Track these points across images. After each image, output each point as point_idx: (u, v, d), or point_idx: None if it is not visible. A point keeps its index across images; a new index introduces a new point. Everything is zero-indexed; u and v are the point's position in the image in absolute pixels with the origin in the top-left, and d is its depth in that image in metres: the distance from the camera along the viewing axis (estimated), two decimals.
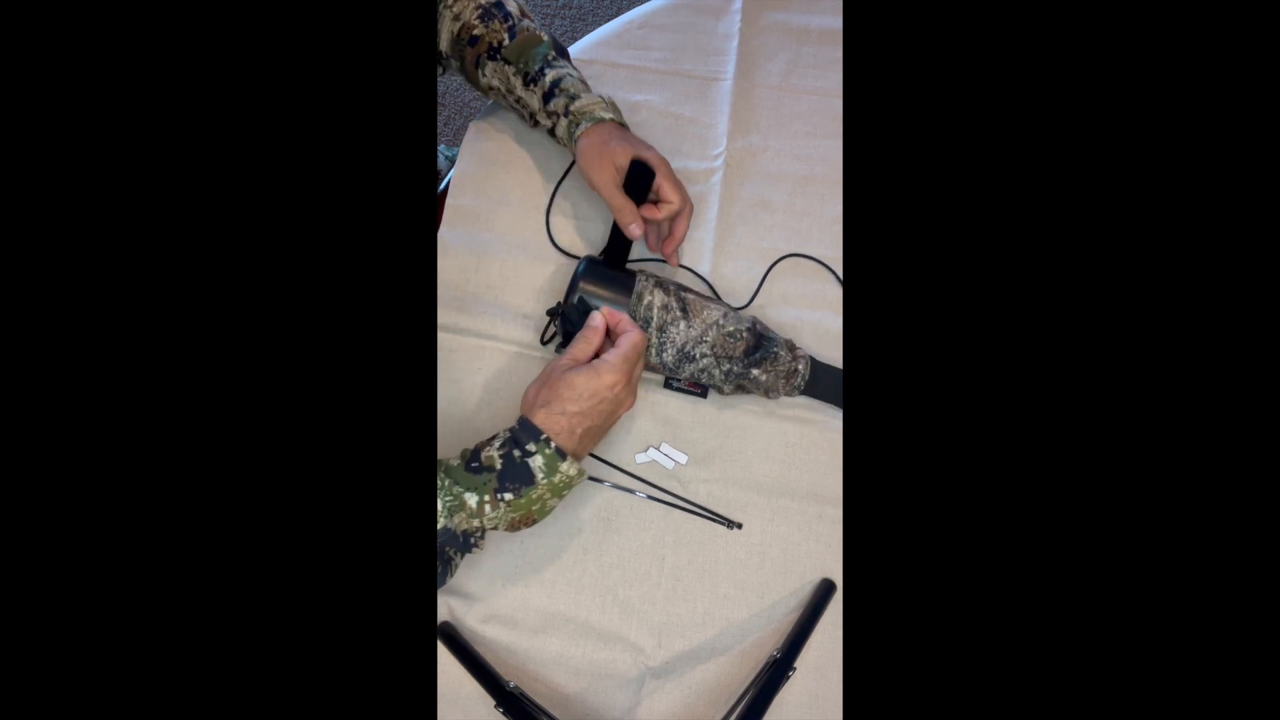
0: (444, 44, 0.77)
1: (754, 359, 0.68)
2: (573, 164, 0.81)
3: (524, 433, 0.58)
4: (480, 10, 0.75)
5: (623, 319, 0.64)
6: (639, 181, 0.71)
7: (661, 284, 0.68)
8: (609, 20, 0.91)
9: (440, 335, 0.74)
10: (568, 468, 0.58)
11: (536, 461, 0.57)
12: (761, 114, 0.85)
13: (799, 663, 0.62)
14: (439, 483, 0.57)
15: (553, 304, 0.72)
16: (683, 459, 0.71)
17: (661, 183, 0.71)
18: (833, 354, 0.73)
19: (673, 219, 0.73)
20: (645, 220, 0.71)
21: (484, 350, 0.74)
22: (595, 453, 0.71)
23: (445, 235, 0.78)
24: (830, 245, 0.79)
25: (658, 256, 0.77)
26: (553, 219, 0.79)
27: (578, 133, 0.72)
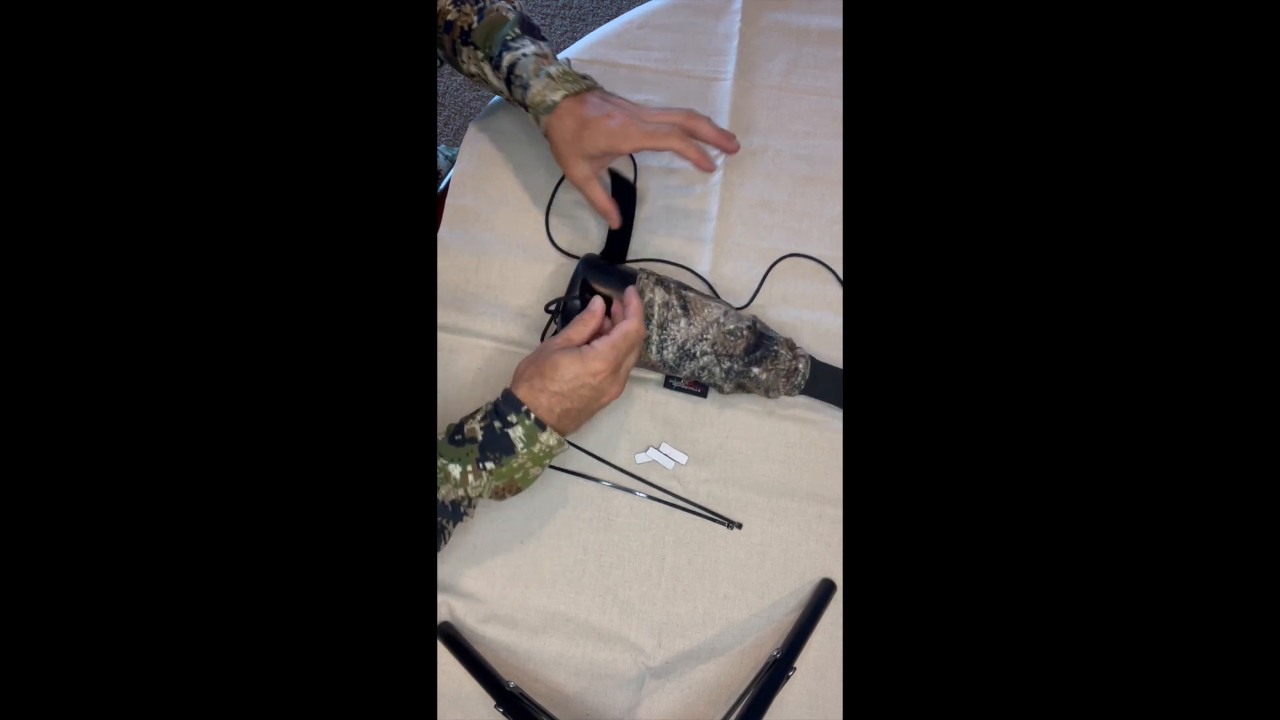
0: None
1: (754, 357, 0.68)
2: None
3: (505, 404, 0.60)
4: None
5: (632, 304, 0.64)
6: (624, 196, 0.70)
7: (662, 282, 0.68)
8: (609, 20, 0.90)
9: (440, 335, 0.74)
10: (547, 437, 0.60)
11: (517, 432, 0.59)
12: (761, 114, 0.85)
13: (799, 663, 0.62)
14: None
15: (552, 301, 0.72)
16: (683, 459, 0.71)
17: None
18: (833, 354, 0.73)
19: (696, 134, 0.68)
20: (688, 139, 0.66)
21: (484, 350, 0.74)
22: (595, 453, 0.71)
23: (445, 235, 0.78)
24: (830, 245, 0.79)
25: (658, 257, 0.77)
26: (552, 219, 0.79)
27: (543, 127, 0.70)
